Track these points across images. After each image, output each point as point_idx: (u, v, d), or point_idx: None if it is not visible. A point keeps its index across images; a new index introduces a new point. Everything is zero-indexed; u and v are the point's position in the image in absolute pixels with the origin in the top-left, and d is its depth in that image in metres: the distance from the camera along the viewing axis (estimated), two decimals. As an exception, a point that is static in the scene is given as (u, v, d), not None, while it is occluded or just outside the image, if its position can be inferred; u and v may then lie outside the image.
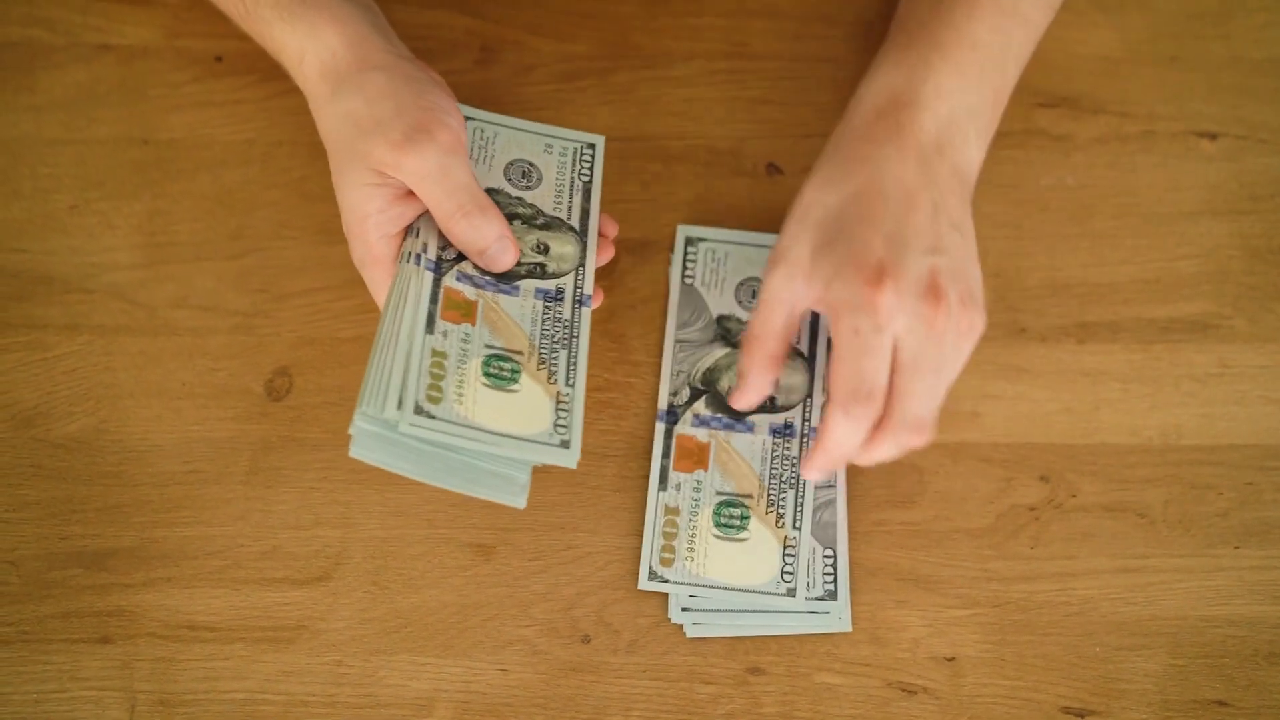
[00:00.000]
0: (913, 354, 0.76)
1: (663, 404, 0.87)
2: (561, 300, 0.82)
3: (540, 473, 0.85)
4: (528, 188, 0.85)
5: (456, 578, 0.84)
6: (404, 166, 0.78)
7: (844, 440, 0.77)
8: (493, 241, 0.80)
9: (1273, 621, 0.84)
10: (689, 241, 0.91)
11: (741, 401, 0.82)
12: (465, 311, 0.80)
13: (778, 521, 0.84)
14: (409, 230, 0.81)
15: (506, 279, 0.82)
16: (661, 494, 0.85)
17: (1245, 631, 0.84)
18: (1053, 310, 0.91)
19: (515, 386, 0.79)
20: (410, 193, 0.80)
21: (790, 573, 0.83)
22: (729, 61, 0.97)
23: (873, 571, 0.85)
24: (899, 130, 0.80)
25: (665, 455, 0.86)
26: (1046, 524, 0.86)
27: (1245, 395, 0.89)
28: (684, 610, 0.83)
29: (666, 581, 0.83)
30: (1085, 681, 0.83)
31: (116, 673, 0.81)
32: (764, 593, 0.83)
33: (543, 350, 0.81)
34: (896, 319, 0.76)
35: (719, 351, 0.88)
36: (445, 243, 0.81)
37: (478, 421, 0.77)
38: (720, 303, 0.89)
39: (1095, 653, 0.83)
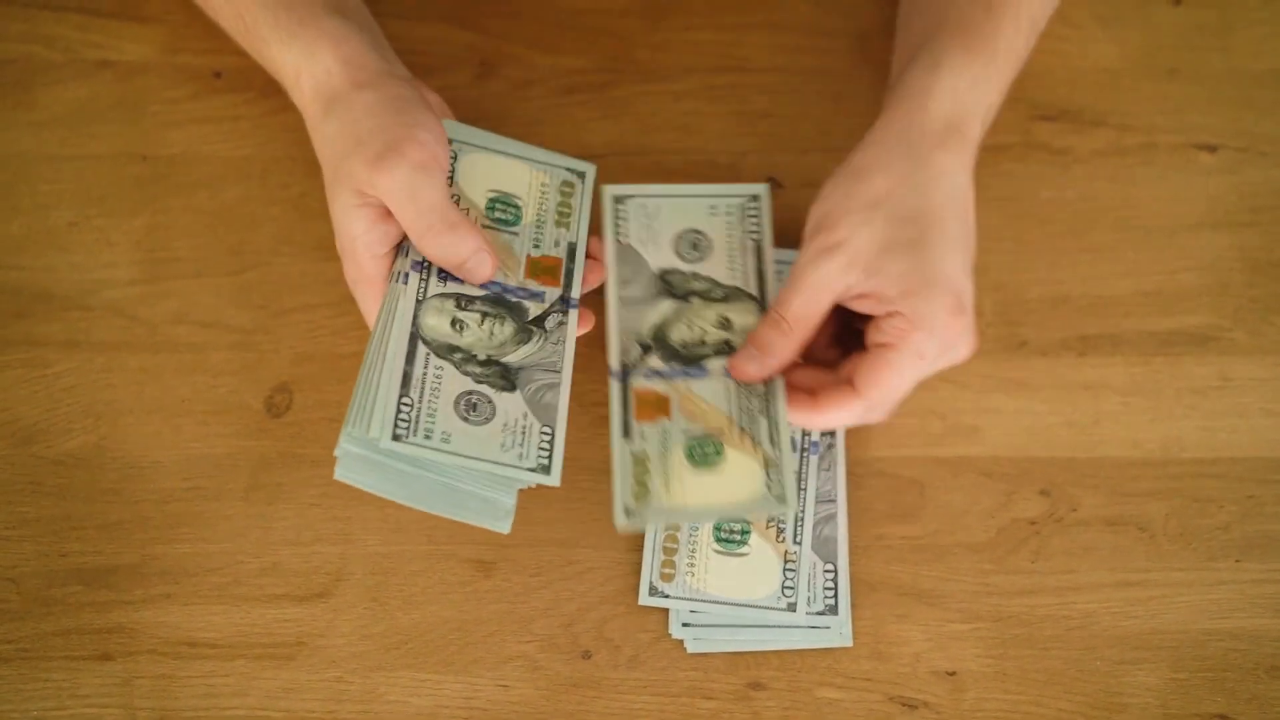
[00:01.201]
0: (929, 374, 0.79)
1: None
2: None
3: (540, 489, 0.85)
4: (699, 259, 0.85)
5: (457, 593, 0.84)
6: (378, 185, 0.78)
7: (845, 424, 0.80)
8: (468, 256, 0.80)
9: (1274, 635, 0.84)
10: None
11: (757, 374, 0.80)
12: (660, 407, 0.81)
13: (778, 536, 0.84)
14: (399, 249, 0.81)
15: (692, 361, 0.82)
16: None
17: (1247, 645, 0.84)
18: (1053, 323, 0.91)
19: (720, 461, 0.79)
20: (388, 212, 0.79)
21: (791, 587, 0.83)
22: (728, 75, 0.97)
23: (873, 586, 0.85)
24: (964, 146, 0.80)
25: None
26: (1047, 538, 0.86)
27: (1246, 408, 0.89)
28: (685, 625, 0.83)
29: (667, 597, 0.83)
30: (1086, 695, 0.82)
31: (117, 690, 0.81)
32: (765, 607, 0.82)
33: (742, 423, 0.81)
34: (955, 350, 0.78)
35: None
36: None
37: (692, 504, 0.78)
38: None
39: (1096, 667, 0.83)
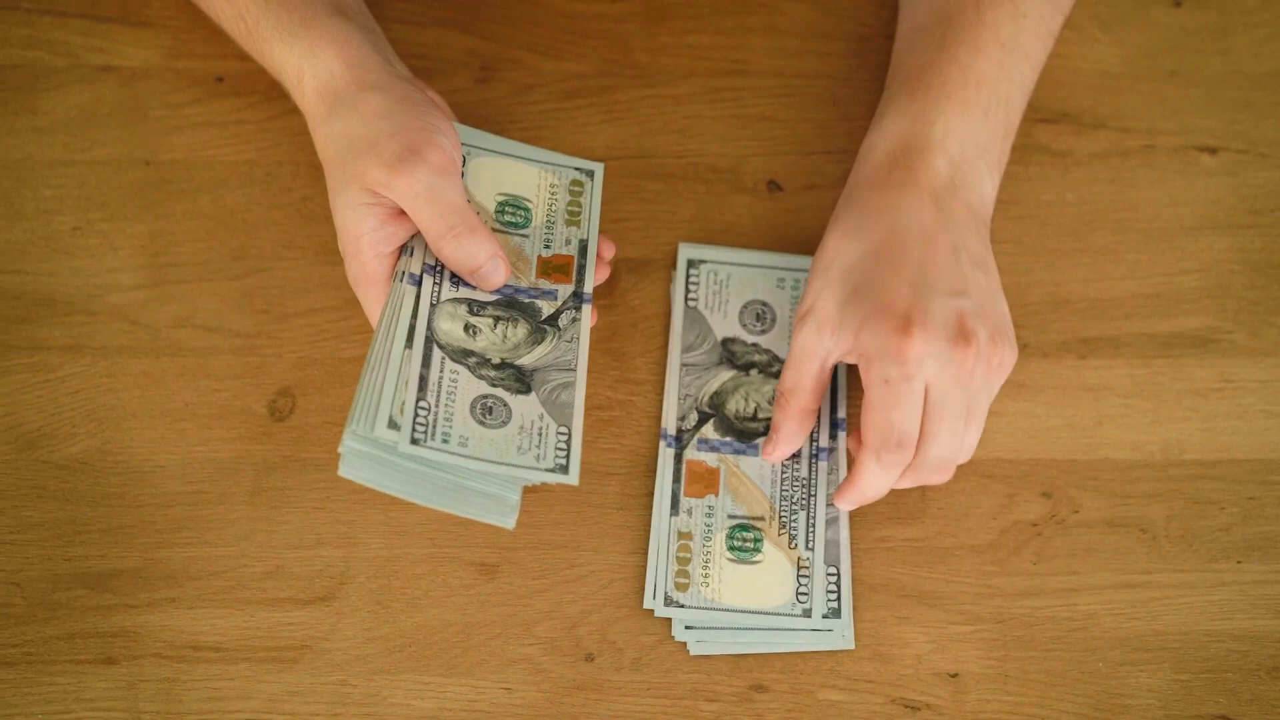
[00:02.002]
0: (940, 398, 0.79)
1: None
2: (799, 456, 0.86)
3: (542, 491, 0.85)
4: (762, 331, 0.88)
5: (460, 596, 0.84)
6: (396, 187, 0.78)
7: (876, 484, 0.81)
8: (484, 261, 0.80)
9: (1275, 636, 0.84)
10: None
11: (775, 454, 0.84)
12: (709, 482, 0.85)
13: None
14: (403, 249, 0.81)
15: (745, 436, 0.86)
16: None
17: (1248, 646, 0.84)
18: (1054, 326, 0.91)
19: (759, 557, 0.83)
20: (399, 213, 0.80)
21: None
22: (729, 79, 0.97)
23: (876, 588, 0.85)
24: (913, 176, 0.81)
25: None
26: (1049, 540, 0.86)
27: (1247, 409, 0.89)
28: (688, 628, 0.83)
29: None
30: (1088, 697, 0.83)
31: (121, 694, 0.81)
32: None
33: (783, 513, 0.84)
34: (926, 365, 0.78)
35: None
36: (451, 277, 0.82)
37: (726, 601, 0.82)
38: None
39: (1098, 668, 0.83)
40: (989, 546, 0.86)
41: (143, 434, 0.87)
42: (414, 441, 0.75)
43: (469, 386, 0.78)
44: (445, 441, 0.76)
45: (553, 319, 0.81)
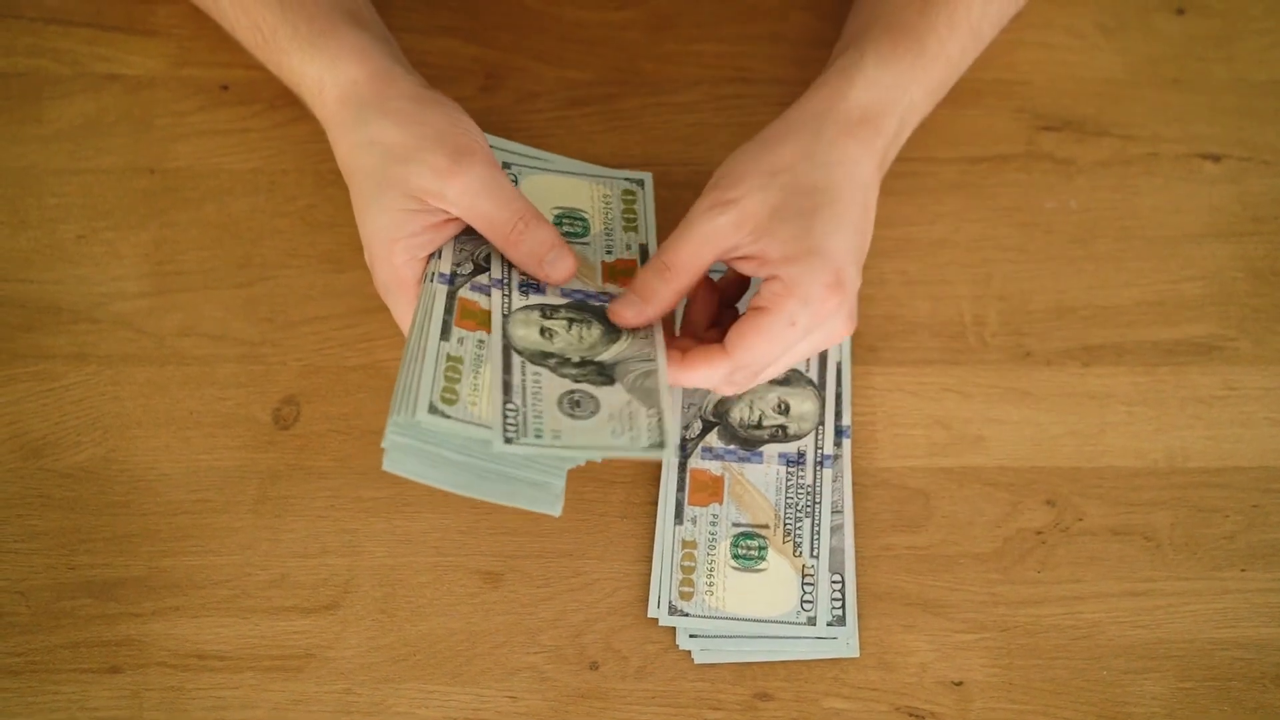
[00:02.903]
0: (798, 352, 0.80)
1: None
2: (803, 464, 0.86)
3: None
4: None
5: (464, 605, 0.84)
6: (449, 191, 0.78)
7: (706, 384, 0.80)
8: (550, 249, 0.80)
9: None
10: None
11: (631, 318, 0.80)
12: (713, 491, 0.85)
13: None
14: (431, 256, 0.81)
15: (749, 445, 0.86)
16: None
17: (1252, 654, 0.84)
18: (1057, 333, 0.91)
19: (763, 565, 0.84)
20: (441, 222, 0.80)
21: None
22: (733, 87, 0.97)
23: (880, 596, 0.85)
24: (874, 137, 0.82)
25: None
26: (1053, 548, 0.86)
27: (1251, 417, 0.89)
28: (692, 636, 0.83)
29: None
30: (1092, 705, 0.83)
31: (126, 703, 0.81)
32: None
33: (788, 520, 0.84)
34: (824, 326, 0.79)
35: None
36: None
37: (730, 610, 0.83)
38: None
39: (1102, 676, 0.83)
40: (993, 555, 0.86)
41: (147, 442, 0.87)
42: (507, 441, 0.75)
43: (553, 385, 0.78)
44: (539, 437, 0.75)
45: None
